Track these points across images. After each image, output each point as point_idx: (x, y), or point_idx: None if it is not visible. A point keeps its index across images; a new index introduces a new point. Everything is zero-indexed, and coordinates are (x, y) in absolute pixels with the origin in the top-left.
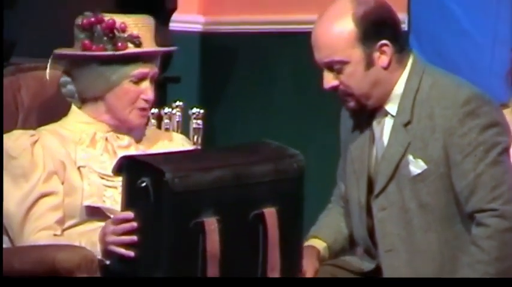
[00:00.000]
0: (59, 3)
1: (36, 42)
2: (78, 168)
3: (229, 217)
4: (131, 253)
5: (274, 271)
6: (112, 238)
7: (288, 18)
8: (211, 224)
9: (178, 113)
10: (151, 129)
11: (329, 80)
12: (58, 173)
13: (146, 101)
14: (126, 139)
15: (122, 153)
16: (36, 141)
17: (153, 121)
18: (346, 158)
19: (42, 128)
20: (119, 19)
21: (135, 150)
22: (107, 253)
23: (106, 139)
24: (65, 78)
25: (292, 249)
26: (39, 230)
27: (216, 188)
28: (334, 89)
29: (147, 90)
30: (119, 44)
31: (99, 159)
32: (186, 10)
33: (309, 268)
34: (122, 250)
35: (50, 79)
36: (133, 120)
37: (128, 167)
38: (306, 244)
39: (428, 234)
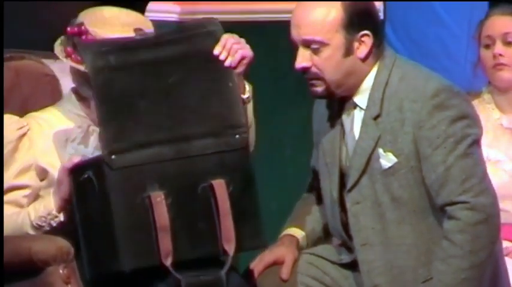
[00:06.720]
0: None
1: (10, 33)
2: None
3: (177, 191)
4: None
5: (229, 242)
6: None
7: (263, 7)
8: (158, 196)
9: None
10: None
11: (302, 60)
12: (38, 170)
13: None
14: None
15: None
16: (23, 135)
17: None
18: (318, 150)
19: (36, 116)
20: (107, 12)
21: None
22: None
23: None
24: None
25: (248, 220)
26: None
27: (157, 162)
28: (305, 70)
29: None
30: None
31: None
32: None
33: (289, 257)
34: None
35: (26, 71)
36: None
37: (73, 174)
38: (285, 232)
39: (402, 227)
